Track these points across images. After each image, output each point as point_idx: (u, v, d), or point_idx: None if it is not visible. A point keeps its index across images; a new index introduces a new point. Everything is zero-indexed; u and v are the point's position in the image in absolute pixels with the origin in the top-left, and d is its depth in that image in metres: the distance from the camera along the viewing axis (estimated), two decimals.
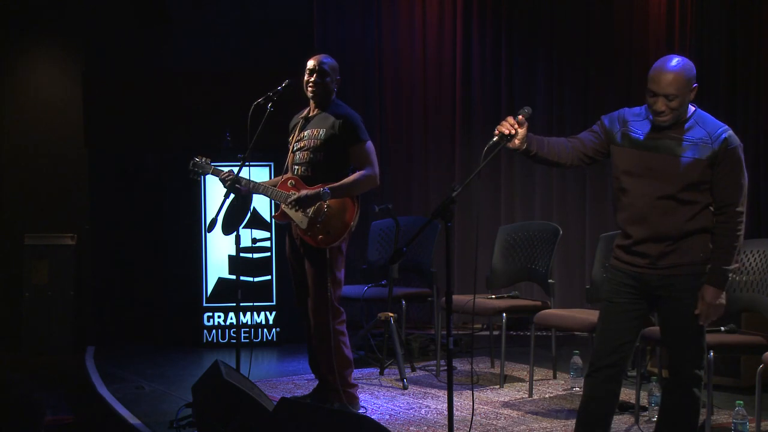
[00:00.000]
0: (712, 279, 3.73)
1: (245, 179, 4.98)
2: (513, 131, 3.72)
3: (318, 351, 5.06)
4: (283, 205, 4.97)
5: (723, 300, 3.75)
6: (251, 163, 5.01)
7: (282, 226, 5.30)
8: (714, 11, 7.12)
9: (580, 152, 3.89)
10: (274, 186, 5.03)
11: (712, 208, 3.75)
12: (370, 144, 5.03)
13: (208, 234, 7.13)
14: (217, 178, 5.01)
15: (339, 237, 4.90)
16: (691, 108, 3.79)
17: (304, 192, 4.88)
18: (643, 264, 3.79)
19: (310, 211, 4.89)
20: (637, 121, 3.81)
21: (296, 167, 5.05)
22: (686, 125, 3.74)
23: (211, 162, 5.11)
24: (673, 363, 3.86)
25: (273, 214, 5.13)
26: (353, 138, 4.98)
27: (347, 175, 4.96)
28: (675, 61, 3.71)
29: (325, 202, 4.86)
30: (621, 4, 7.64)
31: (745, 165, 3.76)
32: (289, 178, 5.03)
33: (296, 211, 4.91)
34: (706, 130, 3.73)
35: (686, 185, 3.71)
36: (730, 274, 3.76)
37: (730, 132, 3.74)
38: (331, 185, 4.87)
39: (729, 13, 7.04)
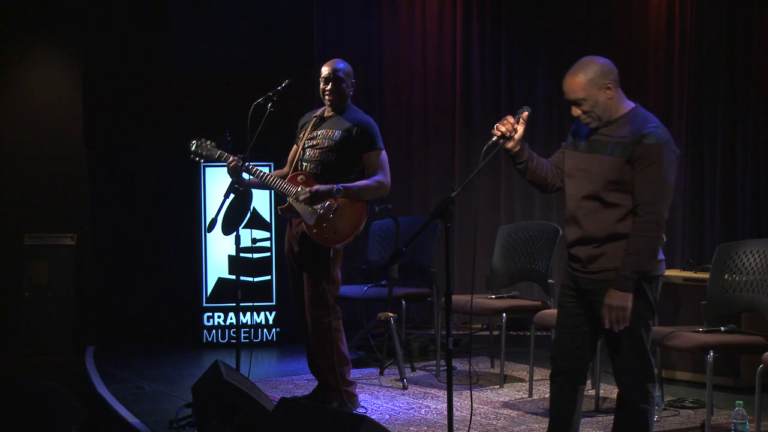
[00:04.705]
0: (614, 281, 3.57)
1: (253, 167, 4.98)
2: (512, 131, 3.72)
3: (317, 350, 5.06)
4: (290, 199, 4.96)
5: (627, 303, 3.54)
6: (251, 163, 5.02)
7: (281, 226, 5.29)
8: (714, 11, 7.11)
9: (557, 168, 3.85)
10: (283, 179, 5.04)
11: None
12: (384, 153, 5.07)
13: (208, 234, 7.12)
14: (223, 166, 5.00)
15: (345, 238, 4.91)
16: (630, 105, 3.70)
17: (316, 187, 4.89)
18: (578, 267, 3.73)
19: (319, 207, 4.90)
20: (584, 126, 3.75)
21: (305, 164, 5.06)
22: (618, 123, 3.64)
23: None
24: (614, 376, 3.75)
25: (279, 207, 5.10)
26: (370, 145, 5.01)
27: (354, 179, 4.97)
28: (578, 64, 3.64)
29: (336, 199, 4.87)
30: (621, 3, 7.63)
31: (674, 167, 3.57)
32: (299, 174, 5.03)
33: (305, 205, 4.92)
34: (633, 127, 3.59)
35: (607, 184, 3.59)
36: (634, 278, 3.53)
37: (655, 129, 3.57)
38: (345, 184, 4.89)
39: (729, 13, 7.04)
